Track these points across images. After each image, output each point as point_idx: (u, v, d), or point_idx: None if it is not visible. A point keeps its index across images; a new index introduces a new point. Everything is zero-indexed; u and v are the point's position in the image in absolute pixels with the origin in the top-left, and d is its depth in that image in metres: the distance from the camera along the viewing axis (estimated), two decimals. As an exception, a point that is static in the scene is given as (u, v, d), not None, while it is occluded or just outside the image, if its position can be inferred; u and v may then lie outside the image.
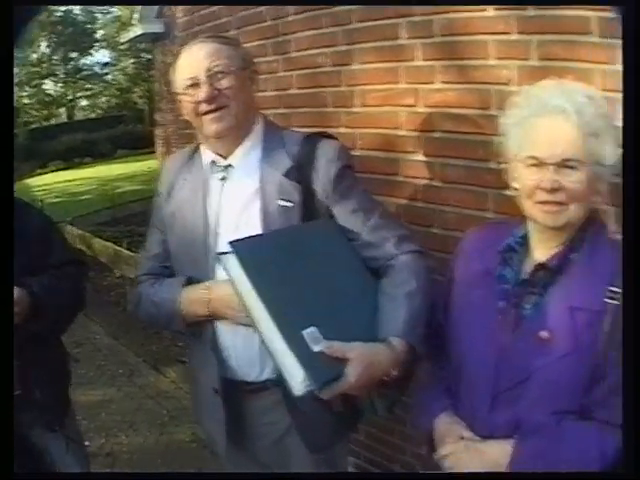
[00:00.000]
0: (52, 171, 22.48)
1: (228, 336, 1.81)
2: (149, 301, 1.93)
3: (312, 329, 1.50)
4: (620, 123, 1.60)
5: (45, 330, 2.16)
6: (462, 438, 1.51)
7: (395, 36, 2.32)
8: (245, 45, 2.89)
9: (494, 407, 1.47)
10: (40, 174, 22.41)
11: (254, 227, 1.76)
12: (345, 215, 1.79)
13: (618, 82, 1.73)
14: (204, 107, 1.75)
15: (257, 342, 1.68)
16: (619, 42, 1.74)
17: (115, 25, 30.59)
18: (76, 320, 2.29)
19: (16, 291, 2.03)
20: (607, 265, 1.42)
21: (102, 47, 35.78)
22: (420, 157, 2.33)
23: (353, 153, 2.55)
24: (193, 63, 1.76)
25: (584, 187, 1.41)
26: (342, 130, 2.60)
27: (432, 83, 2.24)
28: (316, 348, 1.48)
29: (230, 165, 1.83)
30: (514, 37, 1.99)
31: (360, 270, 1.77)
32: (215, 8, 3.13)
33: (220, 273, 1.73)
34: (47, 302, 2.12)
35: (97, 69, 35.24)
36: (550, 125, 1.43)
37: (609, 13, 1.79)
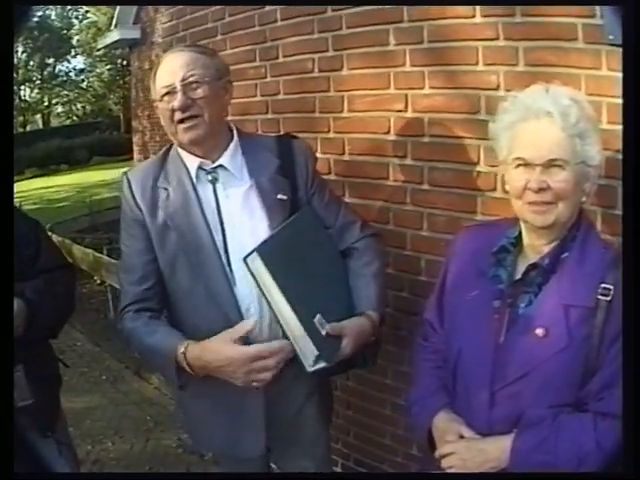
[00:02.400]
0: (28, 178, 22.16)
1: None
2: (139, 345, 1.90)
3: (319, 315, 1.76)
4: (604, 126, 1.69)
5: (39, 336, 2.15)
6: (462, 437, 1.55)
7: (384, 42, 2.36)
8: (233, 50, 2.96)
9: (493, 404, 1.51)
10: (16, 181, 22.34)
11: (260, 221, 1.87)
12: (321, 206, 1.99)
13: (603, 87, 1.81)
14: (178, 115, 1.79)
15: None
16: (604, 48, 1.83)
17: (91, 31, 30.36)
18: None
19: (15, 303, 2.01)
20: (598, 263, 1.48)
21: (78, 53, 35.45)
22: (409, 161, 2.36)
23: (342, 158, 2.61)
24: (170, 71, 1.81)
25: (571, 186, 1.46)
26: (331, 135, 2.64)
27: (421, 88, 2.28)
28: (323, 331, 1.75)
29: (221, 165, 1.88)
30: (501, 43, 2.04)
31: (337, 255, 2.00)
32: (201, 13, 3.14)
33: (237, 268, 1.82)
34: (41, 308, 2.10)
35: (73, 75, 35.18)
36: (536, 128, 1.49)
37: (594, 20, 1.85)
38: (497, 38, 2.05)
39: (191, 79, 1.79)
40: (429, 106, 2.27)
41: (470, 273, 1.66)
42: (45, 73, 35.37)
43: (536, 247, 1.56)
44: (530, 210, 1.50)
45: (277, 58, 2.80)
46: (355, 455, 2.85)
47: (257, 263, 1.70)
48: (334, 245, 1.99)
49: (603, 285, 1.44)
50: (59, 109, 36.22)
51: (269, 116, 2.90)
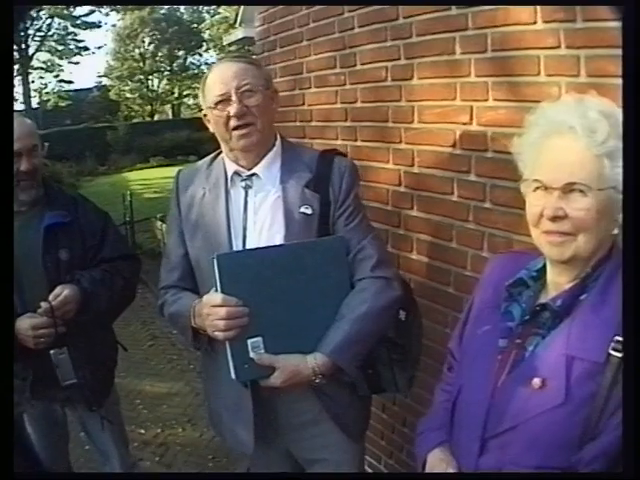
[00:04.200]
0: (153, 167, 22.96)
1: None
2: (168, 314, 2.02)
3: (257, 339, 1.79)
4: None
5: (93, 320, 2.31)
6: None
7: (451, 51, 2.24)
8: (316, 57, 2.95)
9: (483, 451, 1.36)
10: (140, 168, 23.26)
11: (277, 232, 1.89)
12: (345, 230, 1.92)
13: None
14: (234, 122, 1.85)
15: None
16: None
17: (223, 26, 30.82)
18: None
19: (68, 289, 2.21)
20: (619, 310, 1.23)
21: (210, 47, 36.37)
22: (473, 177, 2.23)
23: (412, 170, 2.51)
24: (223, 80, 1.87)
25: (593, 215, 1.26)
26: (402, 146, 2.55)
27: (486, 100, 2.14)
28: (252, 355, 1.78)
29: (255, 174, 1.93)
30: (563, 52, 1.86)
31: (343, 290, 1.90)
32: (289, 18, 3.15)
33: None
34: (95, 297, 2.28)
35: (205, 69, 35.91)
36: (558, 145, 1.30)
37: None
38: (559, 46, 1.87)
39: (245, 87, 1.85)
40: (492, 119, 2.12)
41: (489, 306, 1.51)
42: (175, 65, 36.78)
43: (557, 284, 1.37)
44: (546, 241, 1.32)
45: (355, 65, 2.76)
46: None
47: (215, 265, 1.74)
48: (347, 280, 1.91)
49: (617, 338, 1.22)
50: (190, 101, 37.35)
51: (348, 124, 2.86)
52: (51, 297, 2.17)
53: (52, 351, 2.25)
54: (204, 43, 37.03)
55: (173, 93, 36.68)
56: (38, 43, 26.29)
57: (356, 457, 2.10)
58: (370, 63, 2.66)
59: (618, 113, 1.29)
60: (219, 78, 1.88)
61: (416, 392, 2.33)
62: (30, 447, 2.37)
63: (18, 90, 23.41)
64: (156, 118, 35.96)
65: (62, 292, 2.19)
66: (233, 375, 1.80)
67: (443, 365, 1.74)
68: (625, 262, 1.18)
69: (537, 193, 1.32)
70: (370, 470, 3.04)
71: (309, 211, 1.89)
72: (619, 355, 1.20)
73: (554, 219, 1.28)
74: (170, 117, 36.68)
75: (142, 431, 4.30)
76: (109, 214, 2.54)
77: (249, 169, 1.93)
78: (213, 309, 1.76)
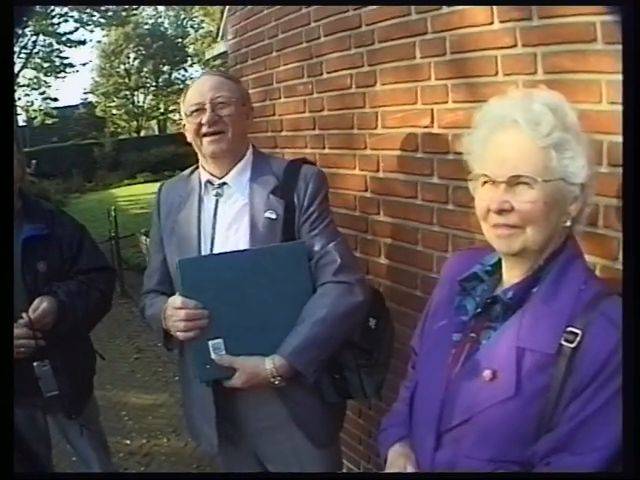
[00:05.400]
0: (140, 182, 22.85)
1: None
2: (147, 317, 2.09)
3: (218, 341, 1.85)
4: (593, 136, 1.45)
5: (68, 333, 2.35)
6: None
7: (411, 55, 2.26)
8: (285, 67, 2.98)
9: (438, 446, 1.36)
10: (127, 184, 23.18)
11: (242, 237, 1.96)
12: (309, 235, 1.96)
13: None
14: (205, 129, 1.96)
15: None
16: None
17: (207, 40, 30.60)
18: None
19: (46, 302, 2.27)
20: (570, 301, 1.26)
21: (194, 62, 36.24)
22: (435, 180, 2.25)
23: (377, 175, 2.53)
24: (200, 91, 1.99)
25: (540, 208, 1.26)
26: (367, 152, 2.58)
27: (445, 102, 2.16)
28: (213, 356, 1.84)
29: (225, 183, 2.01)
30: (520, 50, 1.89)
31: (305, 295, 1.93)
32: (259, 30, 3.18)
33: None
34: (72, 309, 2.34)
35: (190, 84, 36.11)
36: (502, 140, 1.31)
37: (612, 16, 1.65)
38: (515, 45, 1.90)
39: (219, 100, 1.96)
40: (453, 121, 2.15)
41: (445, 302, 1.52)
42: (160, 80, 36.76)
43: (510, 278, 1.38)
44: (494, 234, 1.32)
45: (321, 74, 2.79)
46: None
47: (178, 269, 1.82)
48: (310, 285, 1.94)
49: (570, 329, 1.22)
50: (176, 116, 37.06)
51: (316, 132, 2.89)
52: (30, 311, 2.23)
53: (35, 363, 2.32)
54: (189, 58, 37.09)
55: (159, 108, 36.64)
56: (24, 60, 26.27)
57: (324, 462, 2.10)
58: (335, 71, 2.69)
59: (565, 105, 1.31)
60: (197, 89, 2.00)
61: (389, 395, 2.33)
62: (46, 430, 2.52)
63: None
64: (142, 134, 35.93)
65: (40, 305, 2.25)
66: (195, 375, 1.89)
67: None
68: (625, 261, 1.19)
69: (485, 187, 1.33)
70: (348, 476, 3.04)
71: (273, 216, 1.94)
72: (571, 346, 1.21)
73: (500, 212, 1.28)
74: (156, 133, 36.62)
75: (127, 442, 4.33)
76: (85, 227, 2.60)
77: (220, 178, 2.01)
78: (174, 311, 1.84)
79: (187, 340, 1.86)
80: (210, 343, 1.84)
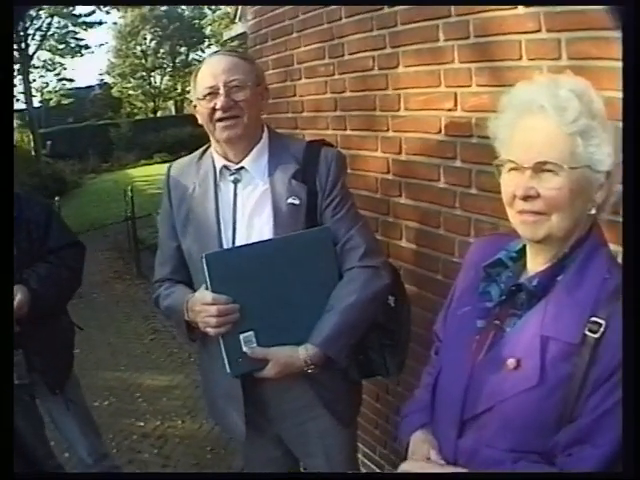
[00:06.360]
0: (157, 162, 22.88)
1: None
2: (163, 308, 2.06)
3: (249, 333, 1.83)
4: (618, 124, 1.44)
5: (43, 315, 2.41)
6: (428, 459, 1.42)
7: (435, 38, 2.24)
8: (305, 48, 2.96)
9: (461, 433, 1.36)
10: (144, 165, 23.27)
11: (266, 223, 1.92)
12: (333, 220, 1.94)
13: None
14: (219, 114, 1.89)
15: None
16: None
17: (224, 22, 30.20)
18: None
19: (20, 293, 2.30)
20: (594, 290, 1.25)
21: (212, 43, 35.92)
22: (458, 163, 2.23)
23: (399, 158, 2.52)
24: (213, 74, 1.90)
25: (566, 195, 1.24)
26: (390, 134, 2.56)
27: (469, 86, 2.14)
28: (245, 348, 1.83)
29: (243, 168, 1.96)
30: (544, 35, 1.86)
31: (332, 281, 1.92)
32: (279, 11, 3.16)
33: None
34: (44, 294, 2.37)
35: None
36: (529, 125, 1.29)
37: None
38: (539, 30, 1.87)
39: (234, 83, 1.88)
40: (476, 105, 2.13)
41: (469, 287, 1.51)
42: (177, 61, 36.61)
43: (535, 265, 1.37)
44: (519, 220, 1.32)
45: (343, 56, 2.77)
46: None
47: (204, 264, 1.78)
48: (335, 270, 1.94)
49: (593, 319, 1.21)
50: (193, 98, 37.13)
51: (337, 113, 2.87)
52: None
53: None
54: (206, 39, 36.91)
55: (176, 89, 36.58)
56: (38, 42, 26.24)
57: (346, 442, 2.12)
58: (357, 53, 2.68)
59: (591, 92, 1.29)
60: (209, 71, 1.91)
61: (408, 380, 2.34)
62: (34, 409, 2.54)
63: (19, 89, 23.43)
64: (159, 114, 35.94)
65: (15, 297, 2.27)
66: (228, 369, 1.85)
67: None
68: (625, 262, 1.18)
69: (511, 173, 1.32)
70: (365, 460, 3.06)
71: (296, 202, 1.91)
72: (595, 336, 1.20)
73: (526, 198, 1.27)
74: (173, 113, 36.60)
75: (141, 424, 4.35)
76: (52, 204, 2.62)
77: (237, 163, 1.96)
78: (204, 307, 1.81)
79: (217, 335, 1.83)
80: (241, 336, 1.83)
